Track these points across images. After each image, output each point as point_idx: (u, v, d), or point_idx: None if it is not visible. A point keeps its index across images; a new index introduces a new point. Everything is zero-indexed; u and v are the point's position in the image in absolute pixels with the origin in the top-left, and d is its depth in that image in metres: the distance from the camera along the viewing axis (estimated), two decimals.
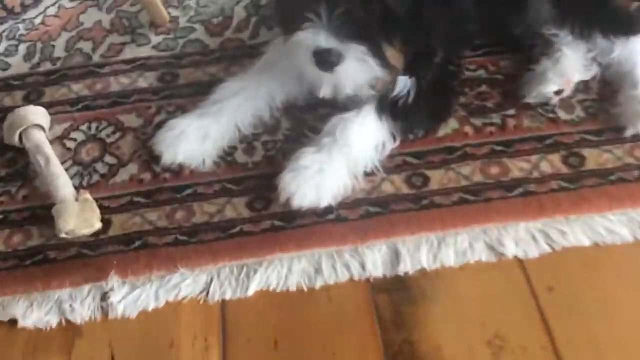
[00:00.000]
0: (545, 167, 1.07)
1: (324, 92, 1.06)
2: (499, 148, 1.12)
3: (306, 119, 1.20)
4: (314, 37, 0.96)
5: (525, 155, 1.10)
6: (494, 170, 1.08)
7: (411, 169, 1.10)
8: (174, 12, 1.43)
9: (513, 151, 1.11)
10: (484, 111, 1.18)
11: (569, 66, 1.17)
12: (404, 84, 1.10)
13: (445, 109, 1.15)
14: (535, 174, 1.06)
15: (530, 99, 1.18)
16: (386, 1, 0.96)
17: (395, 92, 1.09)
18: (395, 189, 1.06)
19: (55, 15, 1.45)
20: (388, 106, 1.10)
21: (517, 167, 1.08)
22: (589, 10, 1.18)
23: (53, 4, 1.48)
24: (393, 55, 1.00)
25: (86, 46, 1.37)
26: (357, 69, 0.99)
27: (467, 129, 1.15)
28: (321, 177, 1.03)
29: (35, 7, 1.48)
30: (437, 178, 1.07)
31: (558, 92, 1.16)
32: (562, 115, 1.15)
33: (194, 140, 1.12)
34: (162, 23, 1.40)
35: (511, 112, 1.18)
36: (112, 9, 1.45)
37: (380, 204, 1.04)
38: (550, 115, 1.16)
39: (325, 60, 0.97)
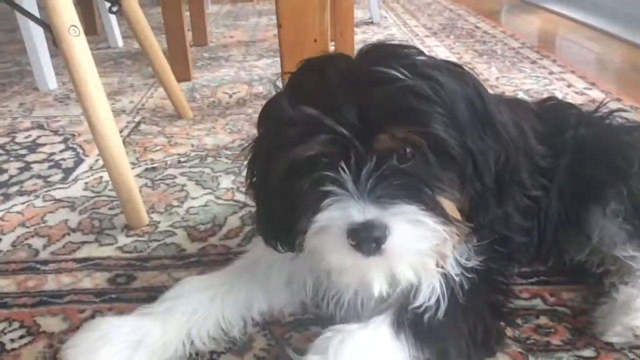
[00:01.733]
0: None
1: (377, 288, 0.71)
2: None
3: (290, 339, 0.85)
4: (343, 212, 0.66)
5: None
6: None
7: None
8: (157, 217, 1.21)
9: None
10: (548, 349, 0.82)
11: None
12: (431, 287, 0.76)
13: (492, 333, 0.79)
14: None
15: (613, 337, 0.83)
16: (438, 148, 0.68)
17: (419, 300, 0.76)
18: None
19: (19, 212, 1.24)
20: (410, 320, 0.75)
21: None
22: None
23: (23, 203, 1.28)
24: (448, 207, 0.70)
25: (37, 242, 1.13)
26: (413, 237, 0.66)
27: None
28: None
29: (1, 204, 1.28)
30: None
31: None
32: None
33: (121, 347, 0.77)
34: (139, 226, 1.17)
35: (588, 353, 0.82)
36: (87, 211, 1.24)
37: None
38: None
39: (368, 238, 0.65)
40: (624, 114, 1.05)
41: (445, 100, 0.69)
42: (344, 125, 0.66)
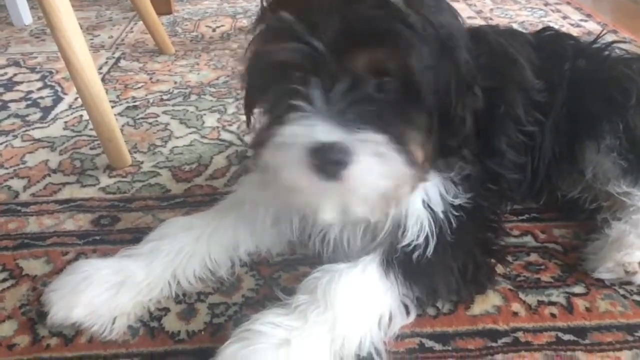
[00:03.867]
0: None
1: (327, 215, 0.68)
2: (567, 337, 0.73)
3: (279, 279, 0.83)
4: (308, 129, 0.61)
5: (610, 351, 0.71)
6: None
7: (433, 357, 0.69)
8: (140, 157, 1.17)
9: (589, 343, 0.73)
10: (539, 286, 0.82)
11: None
12: (419, 225, 0.75)
13: (482, 270, 0.78)
14: None
15: (604, 274, 0.82)
16: (412, 81, 0.63)
17: (407, 239, 0.74)
18: None
19: None
20: (399, 259, 0.74)
21: None
22: None
23: (1, 143, 1.24)
24: (415, 149, 0.66)
25: (17, 184, 1.09)
26: (375, 170, 0.62)
27: (517, 307, 0.78)
28: (285, 352, 0.63)
29: None
30: None
31: None
32: None
33: (102, 289, 0.75)
34: (121, 166, 1.14)
35: (578, 289, 0.82)
36: (68, 151, 1.20)
37: None
38: (637, 297, 0.80)
39: (329, 160, 0.61)
40: (622, 46, 1.02)
41: (432, 37, 0.65)
42: (318, 37, 0.62)
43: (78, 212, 1.01)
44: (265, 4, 0.71)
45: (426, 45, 0.64)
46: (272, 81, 0.68)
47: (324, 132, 0.61)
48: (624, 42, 1.39)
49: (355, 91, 0.62)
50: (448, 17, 0.69)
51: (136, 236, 0.91)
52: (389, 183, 0.64)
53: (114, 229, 0.96)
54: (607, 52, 0.96)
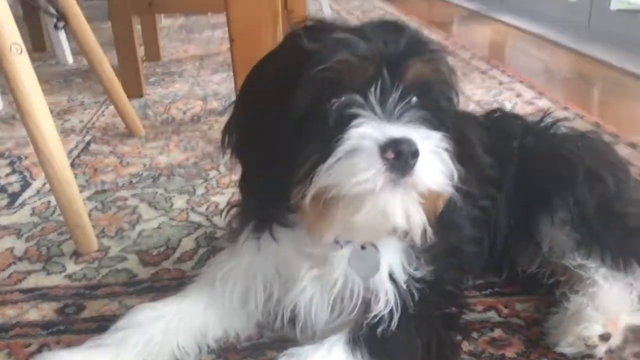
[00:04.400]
0: None
1: (396, 220, 0.67)
2: None
3: None
4: (376, 130, 0.65)
5: None
6: None
7: None
8: (107, 242, 1.18)
9: None
10: None
11: (611, 302, 0.86)
12: (385, 297, 0.77)
13: (446, 346, 0.79)
14: None
15: (566, 348, 0.84)
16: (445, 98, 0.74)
17: (374, 311, 0.76)
18: None
19: None
20: (364, 335, 0.75)
21: None
22: (620, 233, 0.92)
23: None
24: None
25: None
26: (437, 166, 0.67)
27: None
28: None
29: None
30: None
31: (604, 337, 0.83)
32: None
33: None
34: (88, 252, 1.14)
35: None
36: (35, 237, 1.20)
37: None
38: None
39: (406, 152, 0.63)
40: (567, 123, 1.08)
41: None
42: (381, 52, 0.69)
43: (42, 301, 1.00)
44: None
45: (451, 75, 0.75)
46: (327, 96, 0.69)
47: (394, 129, 0.65)
48: (569, 119, 1.48)
49: (407, 100, 0.69)
50: None
51: (101, 325, 0.90)
52: (447, 184, 0.68)
53: (79, 317, 0.95)
54: (552, 130, 1.02)
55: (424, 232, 0.71)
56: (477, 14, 3.91)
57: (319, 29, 0.73)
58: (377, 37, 0.70)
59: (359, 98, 0.68)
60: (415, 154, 0.64)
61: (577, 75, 2.42)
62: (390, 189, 0.65)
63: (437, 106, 0.73)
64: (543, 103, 1.94)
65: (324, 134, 0.67)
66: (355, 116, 0.66)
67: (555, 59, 2.67)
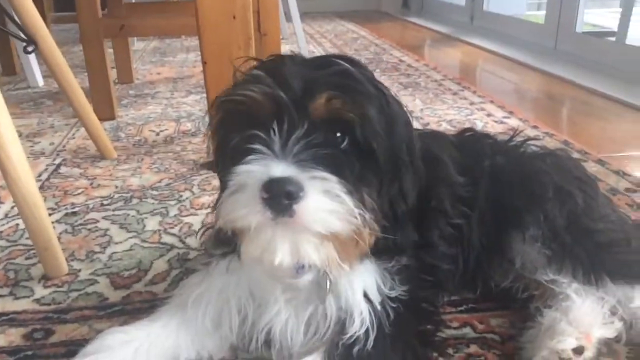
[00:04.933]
0: None
1: (280, 257, 0.68)
2: None
3: None
4: (261, 167, 0.66)
5: None
6: None
7: None
8: (77, 265, 1.15)
9: None
10: None
11: (584, 315, 0.87)
12: (360, 317, 0.76)
13: None
14: None
15: None
16: (367, 135, 0.70)
17: (349, 332, 0.75)
18: None
19: None
20: (341, 355, 0.74)
21: None
22: (590, 248, 0.93)
23: None
24: (367, 199, 0.70)
25: None
26: (327, 207, 0.66)
27: None
28: None
29: None
30: None
31: (578, 350, 0.83)
32: None
33: None
34: (57, 275, 1.11)
35: None
36: (2, 262, 1.17)
37: None
38: None
39: (280, 193, 0.63)
40: (537, 142, 1.10)
41: (385, 109, 0.74)
42: (284, 89, 0.69)
43: (10, 326, 0.96)
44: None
45: (379, 112, 0.72)
46: (232, 130, 0.72)
47: (277, 168, 0.65)
48: (539, 138, 1.51)
49: (312, 137, 0.68)
50: (395, 104, 0.78)
51: (71, 349, 0.88)
52: (343, 225, 0.67)
53: (48, 342, 0.92)
54: (522, 149, 1.04)
55: (338, 266, 0.72)
56: (448, 37, 3.99)
57: (271, 63, 0.76)
58: (294, 74, 0.71)
59: (260, 133, 0.69)
60: (289, 195, 0.64)
61: (545, 95, 2.48)
62: (270, 226, 0.67)
63: (357, 147, 0.71)
64: (513, 122, 1.98)
65: (228, 166, 0.71)
66: (252, 151, 0.68)
67: (524, 80, 2.73)
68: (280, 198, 0.64)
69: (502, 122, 1.99)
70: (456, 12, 4.55)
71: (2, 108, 1.07)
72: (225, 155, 0.74)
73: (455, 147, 1.00)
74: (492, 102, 2.25)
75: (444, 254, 0.92)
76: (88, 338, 0.86)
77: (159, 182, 1.57)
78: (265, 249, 0.69)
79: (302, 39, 3.34)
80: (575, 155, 1.60)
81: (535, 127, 1.92)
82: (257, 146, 0.68)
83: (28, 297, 1.05)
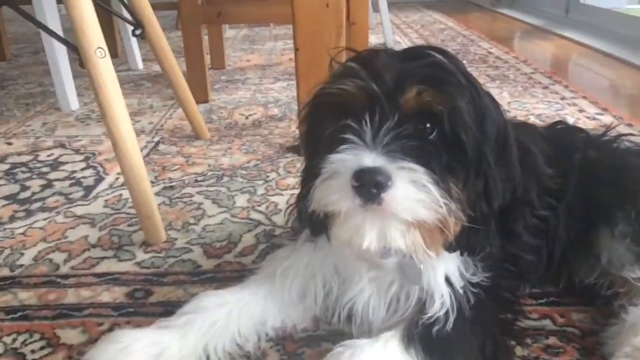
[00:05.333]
0: None
1: (368, 241, 0.71)
2: None
3: (302, 355, 0.87)
4: (353, 157, 0.69)
5: None
6: None
7: None
8: (174, 234, 1.24)
9: None
10: None
11: None
12: (441, 298, 0.79)
13: (500, 349, 0.80)
14: None
15: (622, 358, 0.83)
16: (455, 127, 0.72)
17: (429, 312, 0.78)
18: None
19: (41, 228, 1.28)
20: (419, 334, 0.77)
21: None
22: None
23: (45, 219, 1.32)
24: (453, 189, 0.72)
25: (58, 257, 1.16)
26: (414, 196, 0.68)
27: None
28: None
29: (23, 220, 1.32)
30: None
31: None
32: None
33: (141, 358, 0.79)
34: (157, 242, 1.20)
35: None
36: (107, 227, 1.28)
37: None
38: None
39: (369, 182, 0.67)
40: (631, 138, 1.07)
41: (476, 102, 0.75)
42: (376, 81, 0.72)
43: (114, 285, 1.06)
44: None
45: (469, 104, 0.74)
46: (328, 121, 0.76)
47: (367, 158, 0.68)
48: (633, 135, 1.45)
49: (402, 129, 0.71)
50: (487, 96, 0.79)
51: (168, 309, 0.95)
52: (429, 213, 0.69)
53: (147, 302, 1.01)
54: (615, 144, 1.02)
55: (424, 252, 0.74)
56: (540, 29, 3.86)
57: (366, 55, 0.79)
58: (387, 67, 0.73)
59: (353, 124, 0.72)
60: (378, 184, 0.67)
61: None
62: (360, 212, 0.70)
63: (446, 138, 0.72)
64: (607, 119, 1.90)
65: (322, 154, 0.74)
66: (345, 141, 0.71)
67: (620, 76, 2.61)
68: (369, 187, 0.67)
69: (594, 119, 1.93)
70: (550, 4, 4.38)
71: (116, 87, 1.17)
72: (320, 143, 0.78)
73: (545, 139, 0.99)
74: (584, 97, 2.17)
75: (528, 245, 0.92)
76: (183, 300, 0.94)
77: (248, 162, 1.65)
78: (354, 234, 0.73)
79: (389, 29, 3.34)
80: None
81: (630, 124, 1.84)
82: (350, 136, 0.71)
83: (130, 260, 1.15)
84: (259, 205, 1.37)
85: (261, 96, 2.39)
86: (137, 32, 1.61)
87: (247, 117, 2.10)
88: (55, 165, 1.67)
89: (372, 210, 0.69)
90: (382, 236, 0.72)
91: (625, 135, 1.07)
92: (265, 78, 2.71)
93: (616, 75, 2.63)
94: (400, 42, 3.52)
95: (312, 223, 0.82)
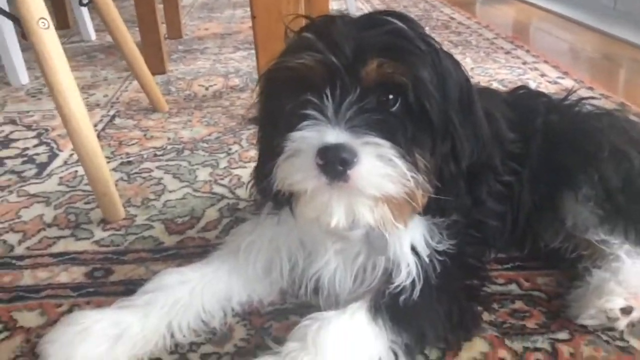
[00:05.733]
0: None
1: (335, 219, 0.70)
2: None
3: (270, 329, 0.85)
4: (316, 133, 0.67)
5: None
6: None
7: None
8: (134, 211, 1.20)
9: None
10: (524, 332, 0.84)
11: (634, 277, 0.86)
12: (407, 268, 0.78)
13: (467, 314, 0.81)
14: None
15: (587, 320, 0.85)
16: (419, 97, 0.70)
17: (395, 282, 0.77)
18: None
19: None
20: (386, 303, 0.76)
21: None
22: None
23: None
24: (419, 161, 0.71)
25: (13, 238, 1.11)
26: (380, 171, 0.67)
27: (503, 353, 0.80)
28: None
29: None
30: None
31: (626, 311, 0.83)
32: (638, 344, 0.80)
33: (101, 341, 0.76)
34: (115, 220, 1.16)
35: (562, 336, 0.84)
36: (63, 205, 1.23)
37: None
38: (619, 343, 0.81)
39: (335, 158, 0.65)
40: (593, 102, 1.08)
41: (437, 67, 0.73)
42: (335, 53, 0.69)
43: (72, 264, 1.03)
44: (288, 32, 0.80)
45: (431, 71, 0.72)
46: (286, 96, 0.73)
47: (331, 135, 0.66)
48: (595, 98, 1.46)
49: (364, 102, 0.68)
50: (447, 59, 0.77)
51: (129, 288, 0.93)
52: (397, 188, 0.68)
53: (108, 281, 0.98)
54: (577, 108, 1.02)
55: (392, 225, 0.73)
56: None
57: (321, 24, 0.76)
58: (345, 36, 0.70)
59: (314, 99, 0.69)
60: (344, 161, 0.65)
61: (602, 56, 2.39)
62: (326, 190, 0.68)
63: (410, 108, 0.70)
64: (568, 83, 1.92)
65: (283, 131, 0.71)
66: (306, 117, 0.69)
67: (580, 40, 2.63)
68: (335, 164, 0.65)
69: (556, 83, 1.94)
70: None
71: (62, 59, 1.11)
72: (279, 119, 0.75)
73: (508, 104, 0.98)
74: (546, 62, 2.18)
75: (492, 211, 0.92)
76: (145, 278, 0.91)
77: (209, 135, 1.61)
78: (322, 212, 0.71)
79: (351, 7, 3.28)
80: (632, 117, 1.55)
81: (590, 88, 1.86)
82: (311, 112, 0.69)
83: (88, 238, 1.11)
84: (222, 179, 1.34)
85: (221, 66, 2.32)
86: (85, 1, 1.53)
87: (207, 88, 2.04)
88: (6, 142, 1.60)
89: (338, 187, 0.67)
90: (350, 213, 0.70)
91: (587, 98, 1.07)
92: (224, 47, 2.64)
93: (576, 39, 2.65)
94: (363, 8, 3.46)
95: (277, 200, 0.79)
